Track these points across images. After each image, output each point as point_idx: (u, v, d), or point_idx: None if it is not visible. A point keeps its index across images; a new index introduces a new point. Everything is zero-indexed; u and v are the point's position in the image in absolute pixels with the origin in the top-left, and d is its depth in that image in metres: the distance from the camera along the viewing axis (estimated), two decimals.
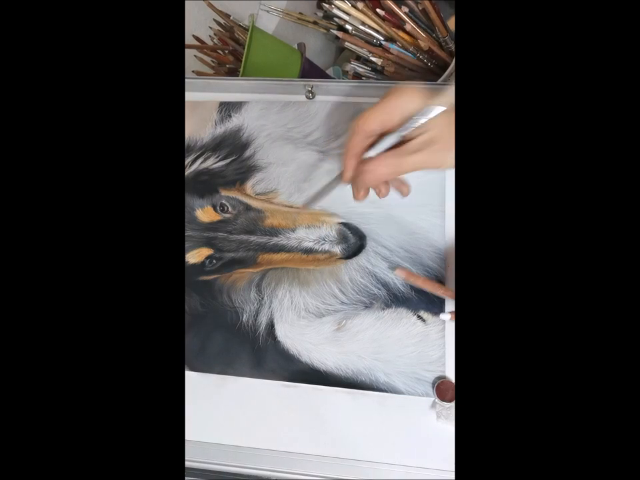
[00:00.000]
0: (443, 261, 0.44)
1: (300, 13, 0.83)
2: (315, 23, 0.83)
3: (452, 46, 0.72)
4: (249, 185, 0.50)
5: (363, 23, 0.72)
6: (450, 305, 0.43)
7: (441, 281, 0.44)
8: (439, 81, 0.69)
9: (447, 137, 0.36)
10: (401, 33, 0.70)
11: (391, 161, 0.37)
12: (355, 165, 0.39)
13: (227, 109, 0.54)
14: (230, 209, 0.49)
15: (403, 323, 0.43)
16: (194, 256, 0.47)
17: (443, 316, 0.42)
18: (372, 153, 0.39)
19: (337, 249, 0.46)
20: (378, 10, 0.70)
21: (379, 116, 0.38)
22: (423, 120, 0.36)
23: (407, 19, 0.67)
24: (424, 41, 0.69)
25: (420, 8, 0.68)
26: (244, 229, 0.48)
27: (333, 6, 0.73)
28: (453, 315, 0.42)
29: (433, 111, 0.36)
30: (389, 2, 0.68)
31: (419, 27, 0.69)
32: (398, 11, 0.68)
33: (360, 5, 0.72)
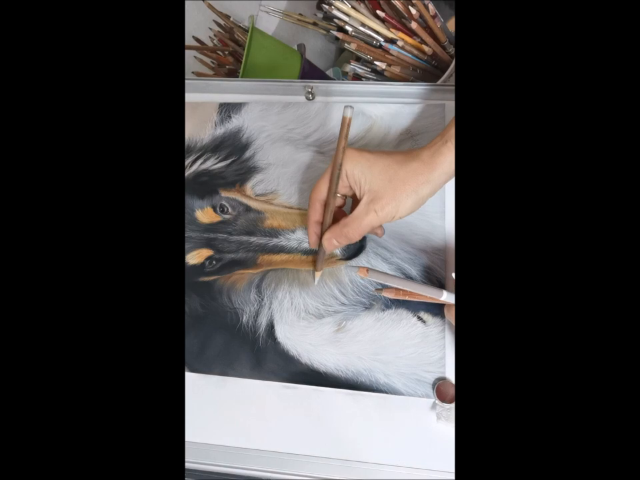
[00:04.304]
0: (443, 262, 0.44)
1: (300, 14, 0.84)
2: (314, 24, 0.83)
3: (452, 50, 0.72)
4: (249, 186, 0.50)
5: (363, 24, 0.72)
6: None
7: (441, 282, 0.44)
8: (439, 82, 0.69)
9: (389, 190, 0.38)
10: (400, 34, 0.70)
11: (345, 231, 0.40)
12: (316, 231, 0.43)
13: (227, 110, 0.54)
14: (230, 210, 0.49)
15: (402, 324, 0.43)
16: (194, 257, 0.47)
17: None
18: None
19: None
20: (378, 11, 0.70)
21: (327, 183, 0.41)
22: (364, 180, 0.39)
23: (413, 16, 0.67)
24: (429, 44, 0.69)
25: (417, 13, 0.68)
26: (244, 230, 0.48)
27: (332, 7, 0.73)
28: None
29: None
30: (397, 2, 0.68)
31: (424, 28, 0.69)
32: (402, 6, 0.68)
33: (360, 6, 0.72)
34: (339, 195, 0.42)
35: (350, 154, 0.40)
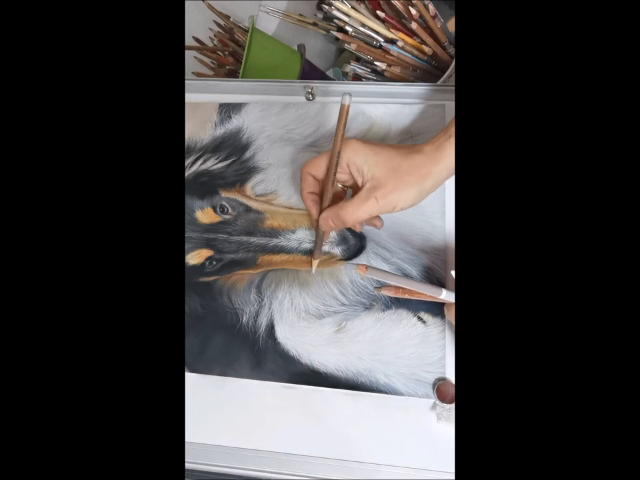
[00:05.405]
0: (443, 262, 0.44)
1: (300, 15, 0.84)
2: (314, 24, 0.83)
3: (452, 50, 0.72)
4: (249, 186, 0.50)
5: (363, 25, 0.72)
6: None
7: (441, 282, 0.44)
8: (439, 82, 0.69)
9: (392, 179, 0.38)
10: (400, 34, 0.70)
11: (342, 213, 0.40)
12: (312, 201, 0.43)
13: (227, 110, 0.54)
14: (230, 210, 0.49)
15: (403, 324, 0.43)
16: (194, 257, 0.47)
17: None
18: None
19: (337, 250, 0.46)
20: (378, 12, 0.70)
21: (323, 161, 0.41)
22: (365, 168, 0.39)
23: (413, 16, 0.67)
24: (429, 45, 0.70)
25: (417, 13, 0.68)
26: (244, 230, 0.48)
27: (332, 7, 0.73)
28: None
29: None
30: (397, 2, 0.68)
31: (424, 28, 0.69)
32: (402, 6, 0.68)
33: (360, 6, 0.72)
34: (339, 185, 0.42)
35: (353, 144, 0.40)
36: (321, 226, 0.42)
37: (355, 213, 0.39)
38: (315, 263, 0.45)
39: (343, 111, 0.40)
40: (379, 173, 0.38)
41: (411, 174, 0.38)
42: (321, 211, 0.42)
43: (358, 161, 0.39)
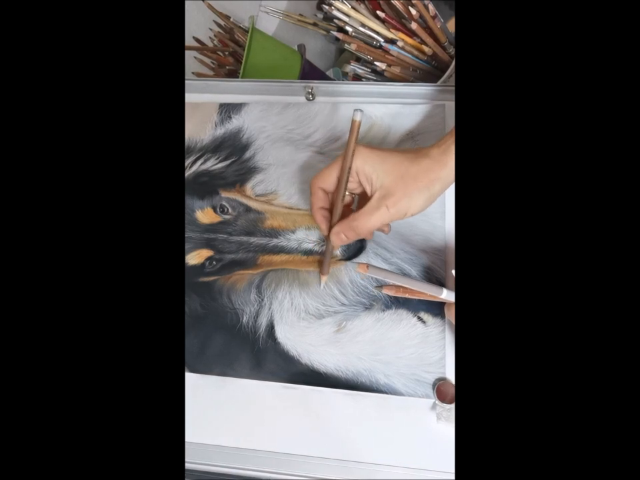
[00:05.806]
0: (444, 262, 0.44)
1: (300, 15, 0.84)
2: (314, 24, 0.83)
3: (452, 50, 0.72)
4: (249, 187, 0.50)
5: (363, 25, 0.72)
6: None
7: (441, 282, 0.44)
8: (439, 82, 0.69)
9: (400, 186, 0.38)
10: (400, 35, 0.70)
11: (354, 225, 0.40)
12: (323, 217, 0.42)
13: (227, 110, 0.54)
14: (230, 211, 0.49)
15: (403, 324, 0.43)
16: (194, 257, 0.47)
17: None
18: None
19: (337, 251, 0.46)
20: (378, 12, 0.70)
21: (334, 173, 0.41)
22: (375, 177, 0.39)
23: (413, 16, 0.67)
24: (429, 45, 0.70)
25: (417, 13, 0.68)
26: (244, 230, 0.48)
27: (332, 7, 0.73)
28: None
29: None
30: (397, 2, 0.68)
31: (424, 29, 0.69)
32: (402, 7, 0.68)
33: (360, 6, 0.72)
34: (347, 193, 0.41)
35: (361, 150, 0.40)
36: (333, 241, 0.42)
37: (367, 223, 0.39)
38: (324, 278, 0.45)
39: (354, 127, 0.40)
40: (387, 181, 0.38)
41: (419, 179, 0.38)
42: (331, 226, 0.42)
43: (367, 170, 0.39)
